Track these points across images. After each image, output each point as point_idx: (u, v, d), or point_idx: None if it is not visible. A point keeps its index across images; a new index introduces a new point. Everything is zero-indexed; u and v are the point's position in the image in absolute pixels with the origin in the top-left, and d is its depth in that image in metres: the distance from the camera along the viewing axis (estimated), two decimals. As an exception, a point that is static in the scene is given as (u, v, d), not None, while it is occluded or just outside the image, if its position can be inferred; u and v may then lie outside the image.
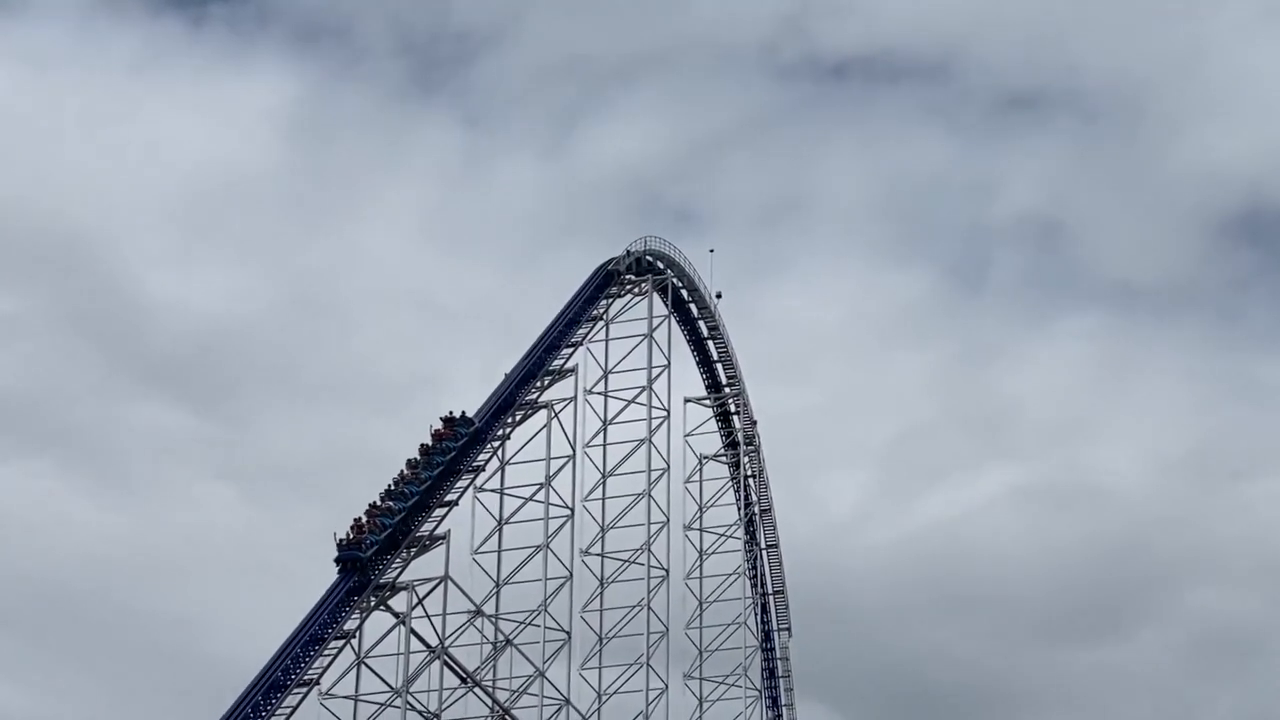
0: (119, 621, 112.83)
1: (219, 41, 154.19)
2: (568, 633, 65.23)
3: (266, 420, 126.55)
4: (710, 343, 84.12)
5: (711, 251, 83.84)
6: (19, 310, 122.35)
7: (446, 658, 58.04)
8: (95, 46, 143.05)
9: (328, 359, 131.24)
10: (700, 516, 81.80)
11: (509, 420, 66.58)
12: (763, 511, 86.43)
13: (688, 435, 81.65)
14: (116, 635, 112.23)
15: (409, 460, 61.31)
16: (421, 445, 62.01)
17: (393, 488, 59.62)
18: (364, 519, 57.93)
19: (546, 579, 64.39)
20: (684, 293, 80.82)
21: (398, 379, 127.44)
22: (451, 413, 63.51)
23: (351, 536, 57.07)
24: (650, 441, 73.08)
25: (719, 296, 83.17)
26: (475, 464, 63.90)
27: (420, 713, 56.52)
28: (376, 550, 57.24)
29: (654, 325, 75.23)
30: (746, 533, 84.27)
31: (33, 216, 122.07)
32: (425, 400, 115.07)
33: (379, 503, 58.71)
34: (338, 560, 56.64)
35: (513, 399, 66.46)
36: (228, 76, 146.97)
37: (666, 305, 77.92)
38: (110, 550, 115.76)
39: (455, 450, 62.12)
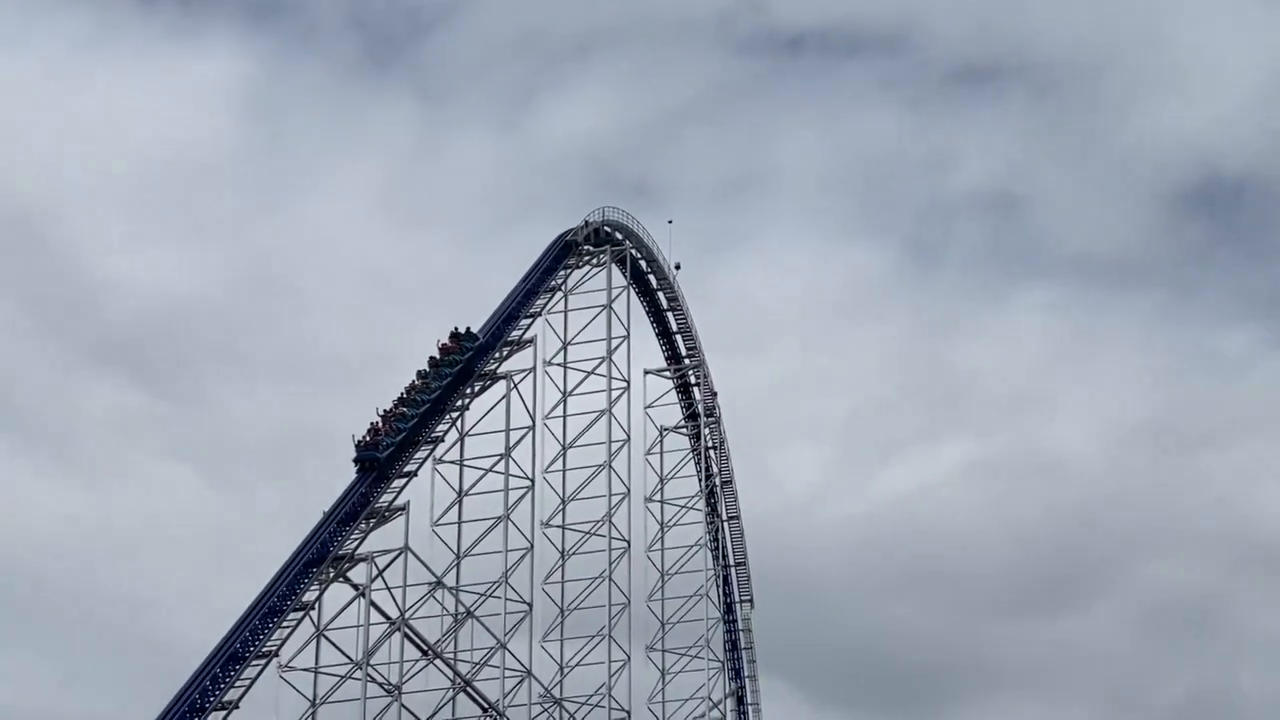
0: (75, 602, 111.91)
1: (170, 18, 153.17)
2: (529, 605, 64.64)
3: (222, 399, 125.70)
4: (670, 314, 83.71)
5: (670, 223, 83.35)
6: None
7: (407, 630, 57.58)
8: (45, 23, 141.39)
9: (283, 337, 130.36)
10: (661, 488, 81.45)
11: (468, 391, 66.05)
12: (724, 483, 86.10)
13: (648, 407, 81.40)
14: (73, 616, 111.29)
15: (419, 371, 64.39)
16: (430, 358, 65.09)
17: (405, 395, 62.77)
18: (379, 423, 60.99)
19: (507, 551, 63.74)
20: (643, 264, 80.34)
21: (354, 356, 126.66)
22: (457, 328, 66.38)
23: (369, 439, 60.10)
24: (610, 413, 72.61)
25: (678, 268, 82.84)
26: (434, 435, 63.41)
27: (381, 685, 56.05)
28: (391, 452, 60.16)
29: (613, 296, 74.74)
30: (708, 504, 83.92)
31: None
32: (381, 378, 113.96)
33: (392, 409, 61.68)
34: (356, 460, 59.85)
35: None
36: (179, 53, 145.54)
37: (625, 276, 77.35)
38: (66, 531, 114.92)
39: (462, 362, 65.09)
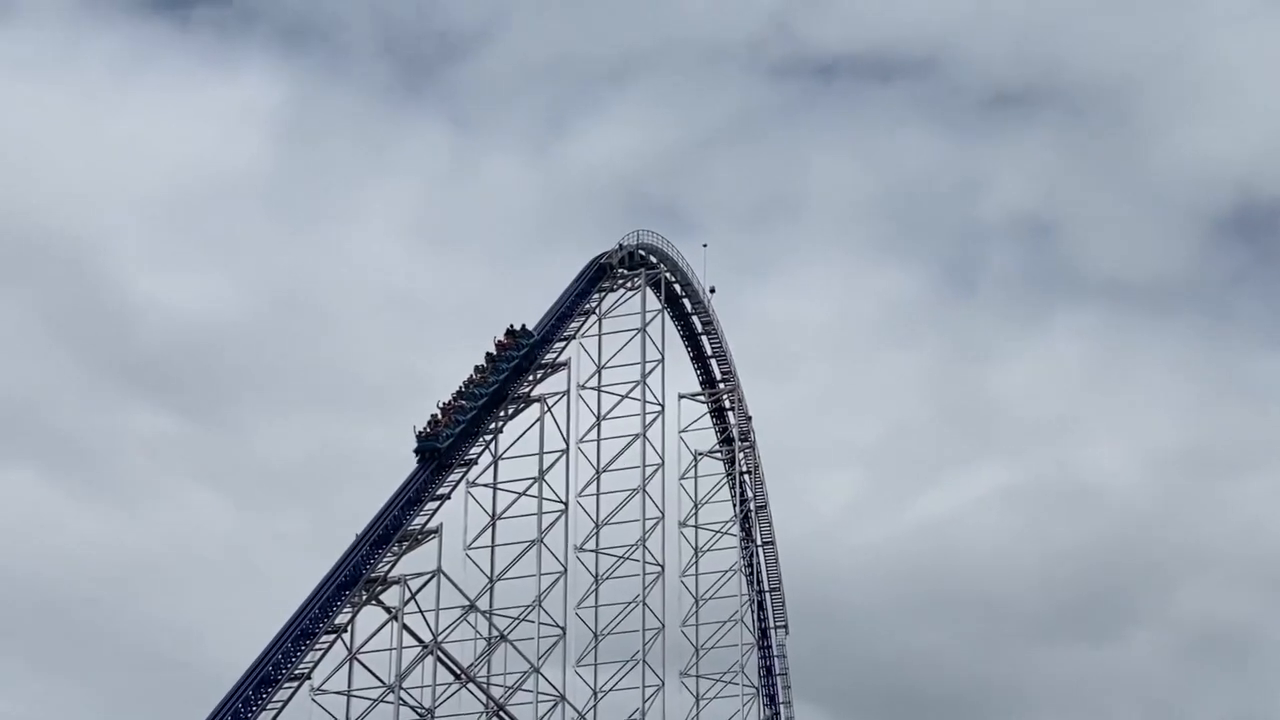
0: (108, 628, 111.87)
1: (204, 43, 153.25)
2: (562, 629, 64.35)
3: (254, 424, 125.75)
4: (704, 338, 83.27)
5: (705, 246, 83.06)
6: (4, 314, 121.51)
7: (439, 653, 57.24)
8: (80, 49, 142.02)
9: (316, 361, 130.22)
10: (695, 513, 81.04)
11: (501, 414, 65.85)
12: (758, 508, 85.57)
13: (682, 431, 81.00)
14: (106, 642, 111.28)
15: (477, 366, 66.12)
16: (487, 354, 66.67)
17: (464, 389, 64.70)
18: (439, 415, 62.95)
19: (540, 574, 63.48)
20: (677, 287, 79.95)
21: (386, 381, 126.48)
22: (513, 325, 67.97)
23: (429, 430, 62.08)
24: (645, 437, 72.25)
25: (712, 291, 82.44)
26: (467, 458, 63.19)
27: (413, 709, 55.68)
28: (451, 443, 61.92)
29: (647, 320, 74.46)
30: (742, 529, 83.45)
31: (18, 219, 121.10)
32: (414, 402, 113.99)
33: (451, 401, 63.67)
34: (417, 450, 61.88)
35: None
36: (214, 78, 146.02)
37: (660, 300, 77.05)
38: (98, 556, 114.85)
39: (518, 358, 66.84)
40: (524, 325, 68.57)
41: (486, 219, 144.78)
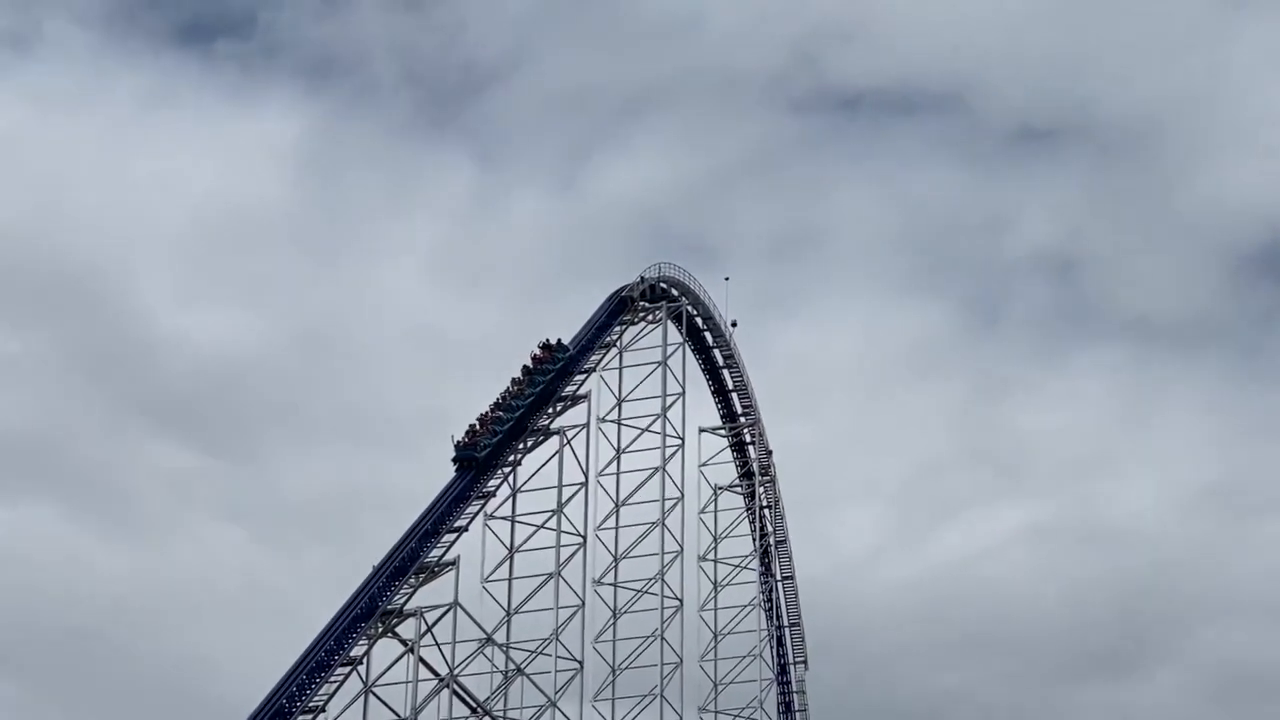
0: (128, 663, 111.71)
1: (230, 78, 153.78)
2: (580, 663, 63.98)
3: (276, 459, 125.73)
4: (725, 372, 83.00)
5: (727, 279, 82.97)
6: (28, 349, 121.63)
7: (456, 686, 56.85)
8: (104, 84, 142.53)
9: (338, 397, 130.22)
10: (715, 547, 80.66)
11: (520, 447, 65.62)
12: (778, 543, 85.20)
13: (702, 465, 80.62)
14: (126, 677, 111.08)
15: (513, 379, 67.22)
16: (524, 367, 67.87)
17: (501, 400, 65.84)
18: (477, 425, 63.96)
19: (558, 608, 63.15)
20: (699, 320, 79.76)
21: (408, 417, 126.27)
22: (548, 340, 69.20)
23: (467, 439, 63.07)
24: (664, 470, 71.92)
25: (734, 325, 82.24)
26: (485, 490, 62.92)
27: (429, 742, 55.31)
28: (489, 452, 63.03)
29: (668, 353, 74.22)
30: (762, 564, 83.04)
31: (42, 254, 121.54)
32: (436, 438, 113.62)
33: (489, 412, 64.71)
34: (455, 459, 62.74)
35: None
36: (238, 113, 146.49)
37: (681, 333, 76.86)
38: (119, 591, 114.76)
39: (554, 372, 68.02)
40: (559, 340, 69.64)
41: (510, 253, 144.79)
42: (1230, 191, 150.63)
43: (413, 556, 57.90)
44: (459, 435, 63.53)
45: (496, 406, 65.68)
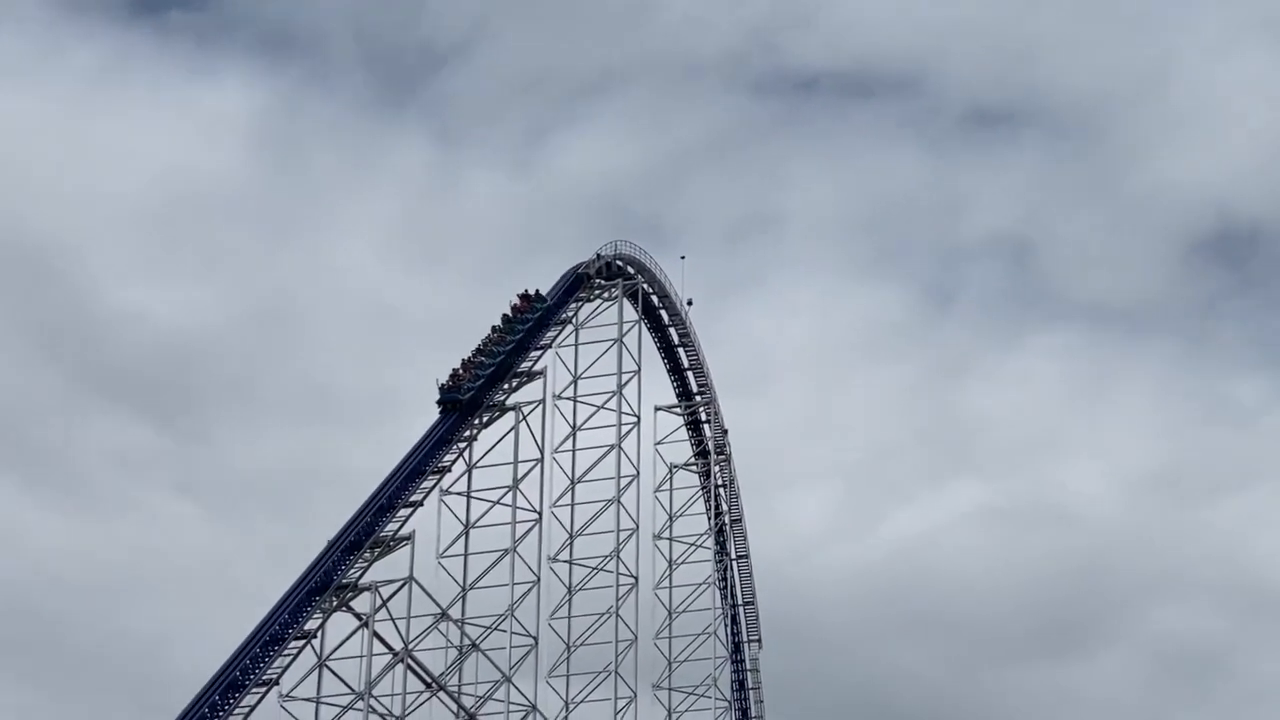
0: (81, 639, 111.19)
1: (185, 52, 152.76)
2: (535, 639, 63.95)
3: (230, 435, 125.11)
4: (681, 350, 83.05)
5: (683, 258, 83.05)
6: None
7: (410, 661, 56.78)
8: (59, 56, 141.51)
9: (292, 373, 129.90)
10: (670, 525, 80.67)
11: (476, 423, 65.55)
12: (733, 521, 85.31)
13: (658, 443, 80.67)
14: (79, 653, 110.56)
15: (494, 326, 69.26)
16: (504, 315, 69.93)
17: (482, 347, 67.82)
18: (460, 370, 65.91)
19: (514, 584, 63.13)
20: (654, 299, 79.74)
21: (363, 394, 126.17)
22: (527, 290, 71.32)
23: (451, 383, 65.10)
24: (620, 448, 71.96)
25: (690, 303, 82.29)
26: (441, 465, 62.83)
27: (383, 717, 55.20)
28: (471, 395, 64.66)
29: (624, 330, 74.24)
30: (716, 543, 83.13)
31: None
32: (390, 415, 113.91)
33: (471, 358, 66.71)
34: (439, 402, 64.66)
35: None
36: (194, 87, 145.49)
37: (637, 311, 76.86)
38: (72, 566, 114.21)
39: (533, 320, 69.96)
40: (537, 290, 71.43)
41: (466, 232, 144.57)
42: (1182, 176, 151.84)
43: (368, 531, 57.79)
44: (443, 379, 65.29)
45: (478, 352, 67.33)
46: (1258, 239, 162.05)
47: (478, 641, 61.94)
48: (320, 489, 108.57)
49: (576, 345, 73.21)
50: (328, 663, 54.18)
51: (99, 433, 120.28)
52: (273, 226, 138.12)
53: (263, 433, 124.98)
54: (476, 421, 65.40)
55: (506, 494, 64.57)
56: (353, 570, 56.29)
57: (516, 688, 62.25)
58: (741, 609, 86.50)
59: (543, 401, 67.76)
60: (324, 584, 54.84)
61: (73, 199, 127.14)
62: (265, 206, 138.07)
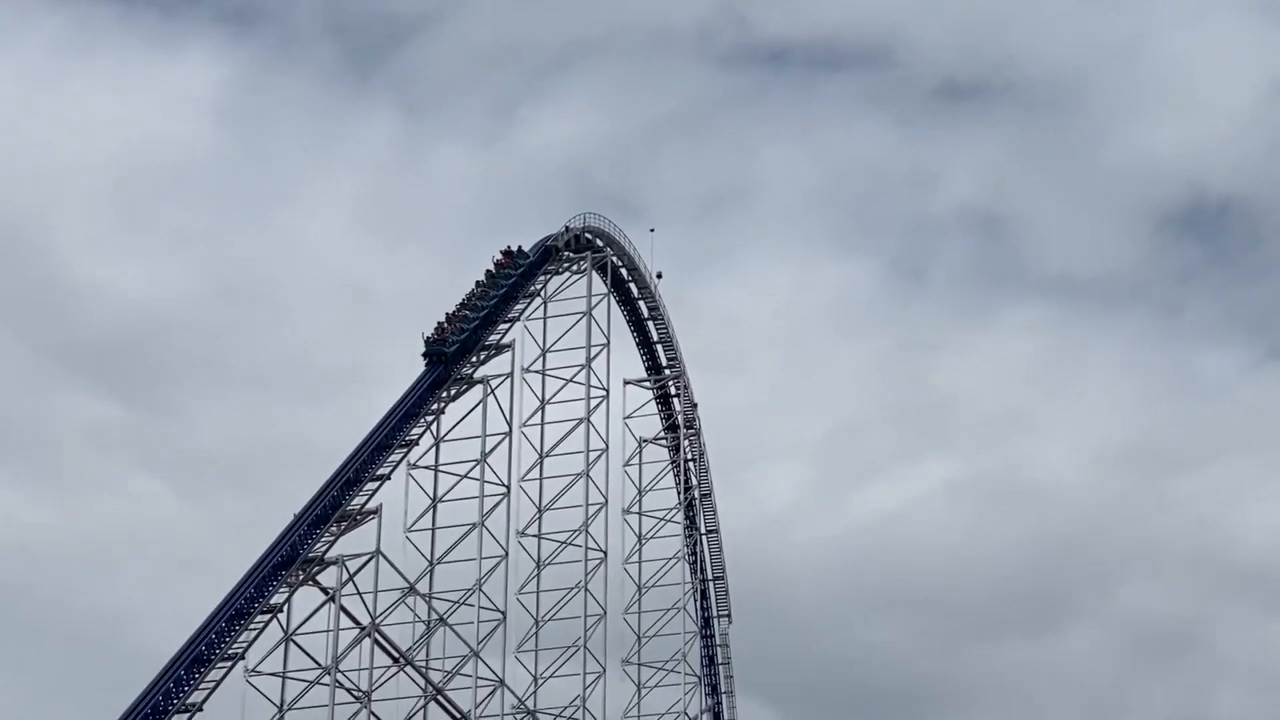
0: (47, 615, 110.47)
1: (149, 24, 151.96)
2: (503, 614, 63.53)
3: (197, 410, 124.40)
4: (650, 324, 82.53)
5: (652, 231, 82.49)
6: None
7: (377, 636, 56.32)
8: (21, 27, 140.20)
9: (260, 348, 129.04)
10: (640, 500, 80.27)
11: (444, 396, 65.04)
12: (703, 496, 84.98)
13: (627, 417, 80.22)
14: (44, 629, 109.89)
15: (477, 281, 70.03)
16: (487, 271, 70.71)
17: (466, 301, 68.65)
18: (445, 324, 66.75)
19: (481, 558, 62.69)
20: (624, 272, 79.25)
21: (330, 369, 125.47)
22: (510, 247, 72.21)
23: (436, 336, 65.96)
24: (589, 422, 71.53)
25: (659, 277, 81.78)
26: (408, 438, 62.32)
27: (350, 691, 54.75)
28: (456, 349, 65.54)
29: (593, 303, 73.76)
30: (686, 517, 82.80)
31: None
32: (358, 390, 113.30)
33: (456, 312, 67.54)
34: (425, 355, 65.49)
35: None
36: (158, 60, 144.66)
37: (606, 284, 76.36)
38: (37, 542, 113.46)
39: (516, 276, 70.81)
40: (519, 246, 72.21)
41: (434, 205, 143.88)
42: (1152, 150, 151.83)
43: (334, 505, 57.26)
44: (428, 332, 66.14)
45: (462, 306, 68.02)
46: (1229, 212, 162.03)
47: (445, 616, 61.52)
48: (287, 464, 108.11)
49: (545, 318, 72.75)
50: (294, 637, 53.74)
51: (66, 408, 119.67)
52: (239, 200, 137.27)
53: (229, 408, 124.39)
54: (444, 395, 64.88)
55: (474, 468, 64.14)
56: (319, 544, 55.77)
57: (484, 662, 61.83)
58: (711, 584, 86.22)
59: (511, 375, 67.33)
60: (290, 558, 54.27)
61: (34, 173, 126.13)
62: (232, 180, 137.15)
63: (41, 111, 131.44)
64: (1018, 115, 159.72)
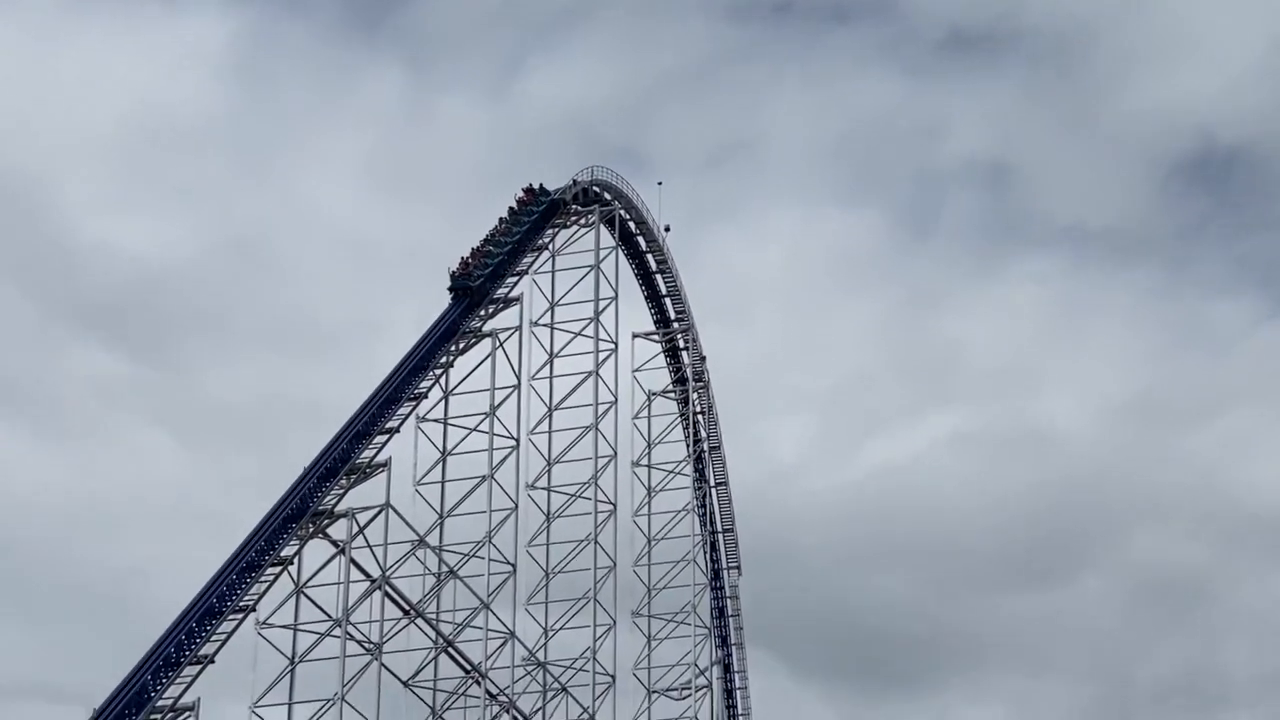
0: (58, 569, 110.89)
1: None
2: (513, 566, 63.60)
3: (204, 365, 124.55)
4: (659, 277, 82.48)
5: (660, 184, 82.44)
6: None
7: (388, 588, 56.41)
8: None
9: (266, 303, 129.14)
10: (649, 452, 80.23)
11: (452, 349, 64.98)
12: (712, 448, 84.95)
13: (635, 370, 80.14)
14: (53, 583, 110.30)
15: (500, 218, 71.15)
16: (509, 208, 71.85)
17: (489, 237, 69.61)
18: (469, 259, 67.71)
19: (491, 511, 62.71)
20: (631, 225, 79.15)
21: (336, 325, 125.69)
22: (532, 184, 73.05)
23: (461, 271, 66.88)
24: (597, 374, 71.53)
25: (667, 230, 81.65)
26: (417, 392, 62.28)
27: (360, 643, 54.85)
28: (482, 281, 66.66)
29: (601, 257, 73.64)
30: (695, 469, 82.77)
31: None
32: (364, 346, 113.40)
33: (480, 247, 68.63)
34: (451, 289, 66.46)
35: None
36: (163, 14, 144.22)
37: (614, 237, 76.24)
38: (46, 497, 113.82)
39: (538, 213, 71.86)
40: (541, 185, 73.13)
41: (441, 160, 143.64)
42: (1161, 100, 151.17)
43: (344, 458, 57.21)
44: (453, 266, 66.95)
45: (486, 242, 69.01)
46: (1238, 162, 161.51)
47: (455, 568, 61.63)
48: (295, 419, 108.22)
49: (553, 271, 72.74)
50: (304, 590, 53.80)
51: (73, 364, 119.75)
52: (245, 157, 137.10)
53: (237, 363, 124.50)
54: (453, 348, 64.83)
55: (484, 421, 64.11)
56: (329, 497, 55.74)
57: (495, 615, 61.96)
58: (720, 536, 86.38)
59: (519, 328, 67.28)
60: (300, 511, 54.25)
61: (40, 130, 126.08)
62: (237, 137, 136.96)
63: (45, 67, 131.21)
64: (1025, 66, 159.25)
